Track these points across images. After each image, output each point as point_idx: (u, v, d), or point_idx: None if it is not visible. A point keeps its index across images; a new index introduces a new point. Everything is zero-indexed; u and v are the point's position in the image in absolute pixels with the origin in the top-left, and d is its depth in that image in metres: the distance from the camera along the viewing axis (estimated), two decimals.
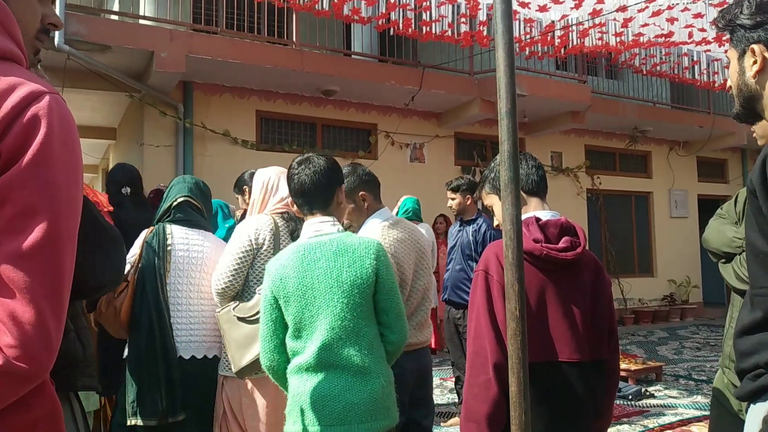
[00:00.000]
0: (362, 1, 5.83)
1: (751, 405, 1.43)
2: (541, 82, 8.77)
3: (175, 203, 2.81)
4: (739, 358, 1.44)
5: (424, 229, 5.36)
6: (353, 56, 8.31)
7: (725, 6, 1.52)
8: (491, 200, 1.99)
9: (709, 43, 6.43)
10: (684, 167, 11.74)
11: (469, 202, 4.61)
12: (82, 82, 6.63)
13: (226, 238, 4.27)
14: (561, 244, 1.82)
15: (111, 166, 10.27)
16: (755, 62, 1.41)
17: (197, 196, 2.91)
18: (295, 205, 2.13)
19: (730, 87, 1.52)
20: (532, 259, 1.79)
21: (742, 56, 1.44)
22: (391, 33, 6.99)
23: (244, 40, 6.96)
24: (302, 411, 1.88)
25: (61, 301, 0.90)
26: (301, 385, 1.90)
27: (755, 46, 1.40)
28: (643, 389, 5.48)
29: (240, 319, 2.41)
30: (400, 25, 6.30)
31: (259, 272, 2.48)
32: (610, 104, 9.90)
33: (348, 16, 6.02)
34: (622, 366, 5.88)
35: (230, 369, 2.45)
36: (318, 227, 2.01)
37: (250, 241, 2.48)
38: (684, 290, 11.33)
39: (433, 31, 6.65)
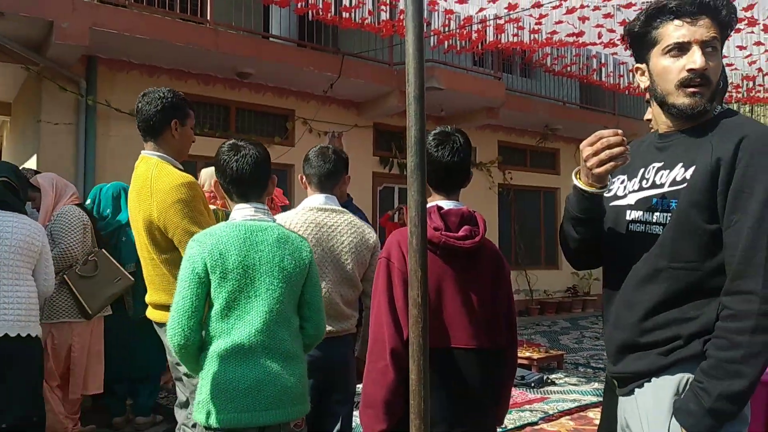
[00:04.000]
0: None
1: (653, 379, 1.48)
2: (459, 76, 8.91)
3: None
4: (643, 333, 1.49)
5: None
6: (271, 39, 8.10)
7: None
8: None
9: (616, 45, 6.74)
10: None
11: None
12: None
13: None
14: (460, 233, 1.83)
15: (5, 143, 9.53)
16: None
17: (13, 178, 3.02)
18: (221, 190, 2.09)
19: (705, 69, 1.48)
20: (431, 247, 1.80)
21: (721, 56, 1.52)
22: (311, 17, 6.87)
23: (155, 15, 6.62)
24: (234, 398, 1.82)
25: None
26: (230, 371, 1.83)
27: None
28: (545, 377, 5.70)
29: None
30: (320, 10, 6.20)
31: None
32: (523, 102, 10.21)
33: None
34: (527, 354, 6.10)
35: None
36: (254, 213, 2.00)
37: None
38: (586, 282, 11.91)
39: (353, 18, 6.59)
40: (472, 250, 1.83)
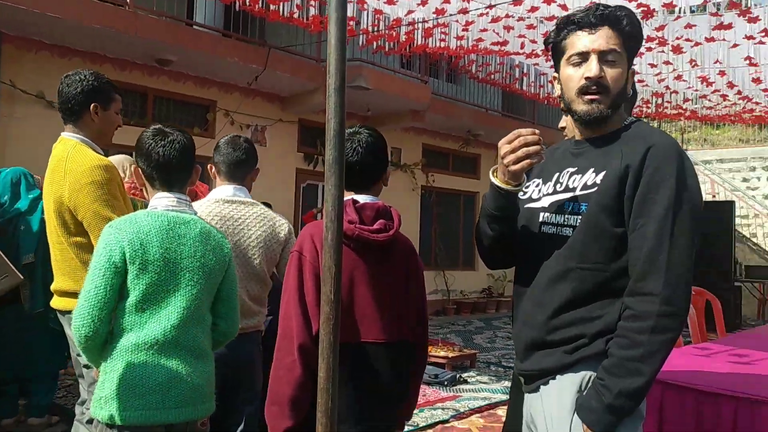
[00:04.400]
0: None
1: (557, 377, 1.53)
2: (386, 77, 8.95)
3: None
4: (551, 331, 1.53)
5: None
6: (195, 27, 7.83)
7: (623, 9, 1.58)
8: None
9: (537, 56, 6.98)
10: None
11: None
12: None
13: (30, 210, 3.81)
14: (375, 226, 1.83)
15: None
16: (630, 77, 1.60)
17: None
18: (141, 177, 1.97)
19: (602, 77, 1.53)
20: (345, 240, 1.78)
21: (629, 66, 1.59)
22: (237, 8, 6.69)
23: None
24: (143, 394, 1.74)
25: None
26: (140, 367, 1.75)
27: (632, 66, 1.61)
28: (458, 375, 5.82)
29: None
30: (247, 1, 6.05)
31: None
32: (448, 106, 10.39)
33: None
34: (441, 353, 6.20)
35: None
36: (176, 203, 1.91)
37: None
38: (500, 284, 12.27)
39: (281, 12, 6.48)
40: (385, 244, 1.83)
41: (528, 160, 1.48)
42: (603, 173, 1.50)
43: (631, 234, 1.45)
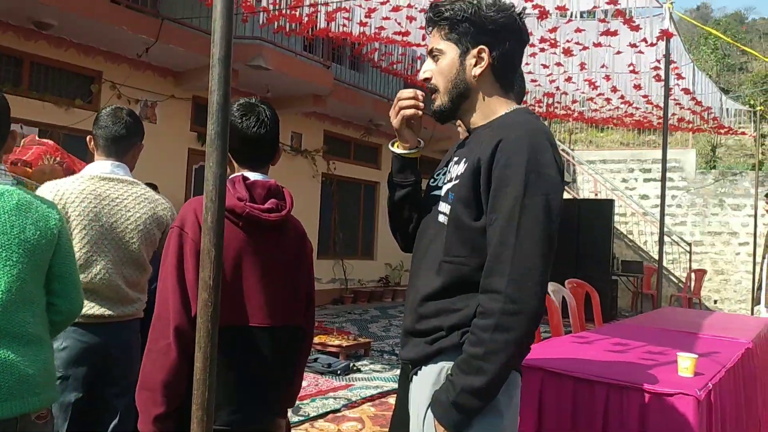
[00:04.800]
0: None
1: (422, 367, 1.51)
2: (287, 59, 8.73)
3: None
4: (417, 319, 1.52)
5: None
6: None
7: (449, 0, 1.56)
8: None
9: None
10: None
11: None
12: None
13: None
14: (266, 205, 1.74)
15: None
16: (478, 63, 1.51)
17: None
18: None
19: (428, 79, 1.58)
20: (234, 218, 1.69)
21: (464, 53, 1.52)
22: None
23: None
24: None
25: None
26: None
27: (484, 48, 1.49)
28: (351, 364, 5.81)
29: None
30: None
31: None
32: (350, 94, 10.32)
33: None
34: (336, 342, 6.16)
35: None
36: None
37: None
38: (397, 273, 12.44)
39: None
40: (276, 224, 1.75)
41: (401, 114, 1.60)
42: (465, 165, 1.50)
43: (488, 229, 1.42)
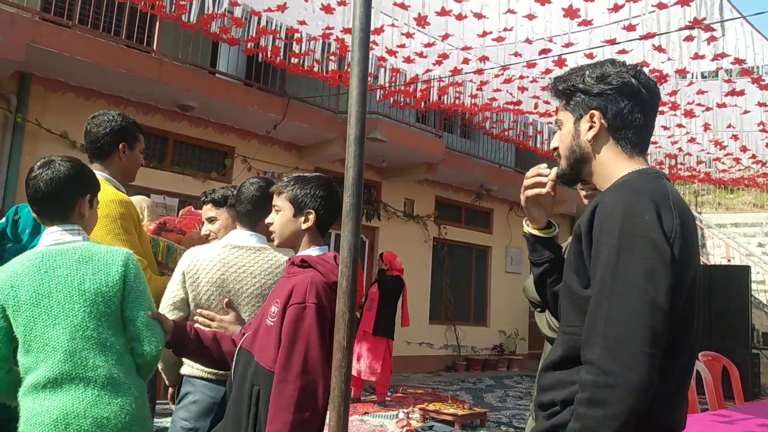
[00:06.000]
0: (232, 22, 5.69)
1: None
2: (401, 131, 9.10)
3: None
4: (539, 391, 1.50)
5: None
6: (217, 75, 8.06)
7: (564, 73, 1.64)
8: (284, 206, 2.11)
9: (551, 115, 7.08)
10: (521, 227, 12.57)
11: None
12: None
13: None
14: None
15: None
16: (592, 127, 1.53)
17: None
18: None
19: (556, 148, 1.63)
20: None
21: (578, 120, 1.55)
22: (260, 59, 6.89)
23: (98, 39, 6.47)
24: None
25: None
26: (38, 405, 1.70)
27: (595, 112, 1.52)
28: None
29: None
30: (269, 53, 6.24)
31: None
32: (461, 161, 10.50)
33: (216, 33, 5.84)
34: (450, 411, 6.06)
35: None
36: (59, 236, 1.87)
37: None
38: (512, 341, 12.08)
39: (301, 65, 6.66)
40: None
41: (525, 195, 1.63)
42: (573, 233, 1.50)
43: None
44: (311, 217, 2.03)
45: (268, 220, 2.13)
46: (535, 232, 1.67)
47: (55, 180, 1.86)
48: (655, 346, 1.24)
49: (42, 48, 5.90)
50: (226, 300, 2.30)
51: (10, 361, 1.79)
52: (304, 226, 2.03)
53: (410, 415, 6.32)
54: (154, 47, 7.01)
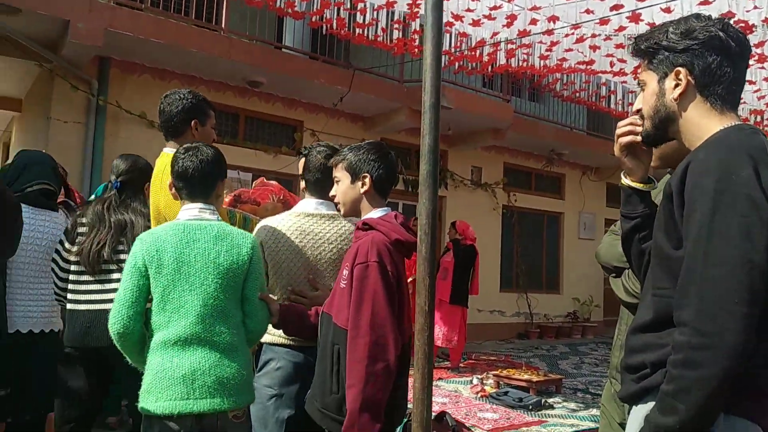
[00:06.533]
0: None
1: (633, 407, 1.46)
2: (467, 97, 8.96)
3: (29, 188, 2.92)
4: (628, 353, 1.47)
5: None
6: (284, 50, 8.16)
7: (646, 32, 1.57)
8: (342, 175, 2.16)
9: (626, 74, 6.78)
10: (594, 192, 12.33)
11: None
12: None
13: None
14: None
15: (14, 139, 9.56)
16: (677, 85, 1.46)
17: (53, 181, 3.05)
18: (173, 188, 2.17)
19: (639, 110, 1.57)
20: (403, 249, 1.98)
21: (663, 78, 1.49)
22: (324, 31, 6.92)
23: (170, 20, 6.68)
24: (169, 386, 1.89)
25: None
26: (167, 361, 1.92)
27: (681, 69, 1.45)
28: (543, 400, 5.65)
29: None
30: (334, 24, 6.25)
31: None
32: (530, 125, 10.25)
33: (281, 8, 5.91)
34: (525, 377, 6.05)
35: None
36: (197, 213, 2.08)
37: None
38: (586, 308, 11.86)
39: (366, 35, 6.64)
40: None
41: (619, 142, 1.58)
42: (661, 193, 1.45)
43: None
44: (367, 180, 2.08)
45: (331, 194, 2.21)
46: (632, 184, 1.60)
47: (204, 162, 2.09)
48: (752, 305, 1.20)
49: (118, 32, 6.15)
50: (311, 277, 2.36)
51: (144, 315, 2.00)
52: (362, 190, 2.09)
53: (484, 381, 6.35)
54: (223, 25, 7.16)
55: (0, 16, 5.71)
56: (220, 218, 2.12)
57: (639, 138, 1.55)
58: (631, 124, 1.56)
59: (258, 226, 2.45)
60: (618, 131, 1.59)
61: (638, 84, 1.60)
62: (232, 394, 1.92)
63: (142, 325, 1.98)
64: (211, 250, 1.99)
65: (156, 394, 1.90)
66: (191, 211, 2.08)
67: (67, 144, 6.61)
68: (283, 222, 2.41)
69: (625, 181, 1.62)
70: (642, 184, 1.59)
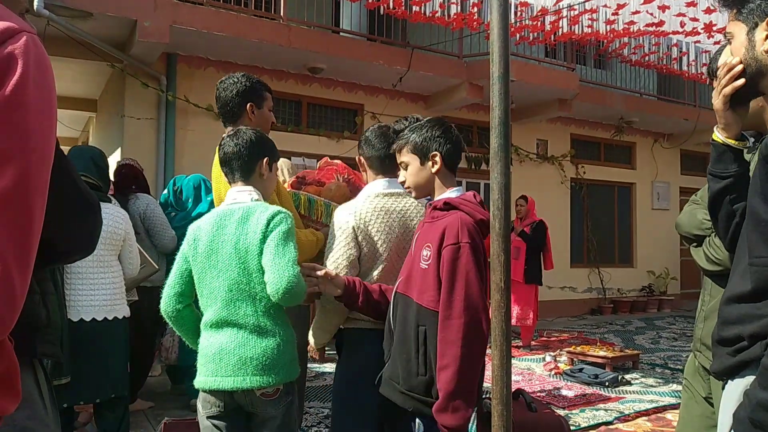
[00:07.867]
0: None
1: (729, 381, 1.39)
2: (530, 68, 8.72)
3: None
4: (721, 325, 1.39)
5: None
6: (341, 34, 8.18)
7: None
8: (410, 159, 2.11)
9: (698, 33, 6.43)
10: (668, 160, 11.80)
11: None
12: (61, 49, 6.43)
13: (209, 211, 4.23)
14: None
15: (91, 138, 10.07)
16: None
17: (93, 174, 3.10)
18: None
19: (724, 64, 1.47)
20: (485, 229, 1.90)
21: (753, 29, 1.39)
22: (381, 12, 6.88)
23: (230, 13, 6.80)
24: (205, 363, 2.04)
25: (29, 257, 0.83)
26: (205, 340, 2.07)
27: None
28: (619, 376, 5.51)
29: None
30: (391, 4, 6.21)
31: None
32: (597, 93, 9.89)
33: None
34: (601, 353, 5.91)
35: None
36: (235, 195, 2.13)
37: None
38: (662, 282, 11.44)
39: (423, 12, 6.57)
40: None
41: (723, 92, 1.46)
42: (755, 153, 1.36)
43: None
44: (437, 159, 2.03)
45: (399, 180, 2.17)
46: (728, 141, 1.51)
47: (240, 144, 2.13)
48: None
49: (183, 27, 6.33)
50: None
51: (191, 298, 2.13)
52: (434, 170, 2.04)
53: (558, 359, 6.25)
54: (281, 14, 7.24)
55: (74, 21, 5.99)
56: (258, 197, 2.11)
57: (742, 80, 1.42)
58: (729, 70, 1.43)
59: (338, 211, 2.37)
60: (720, 82, 1.48)
61: (725, 36, 1.50)
62: (257, 374, 1.97)
63: (186, 306, 2.13)
64: (233, 235, 2.03)
65: (199, 369, 2.06)
66: (230, 195, 2.14)
67: (140, 140, 6.90)
68: (366, 204, 2.32)
69: (719, 137, 1.52)
70: (736, 142, 1.50)
